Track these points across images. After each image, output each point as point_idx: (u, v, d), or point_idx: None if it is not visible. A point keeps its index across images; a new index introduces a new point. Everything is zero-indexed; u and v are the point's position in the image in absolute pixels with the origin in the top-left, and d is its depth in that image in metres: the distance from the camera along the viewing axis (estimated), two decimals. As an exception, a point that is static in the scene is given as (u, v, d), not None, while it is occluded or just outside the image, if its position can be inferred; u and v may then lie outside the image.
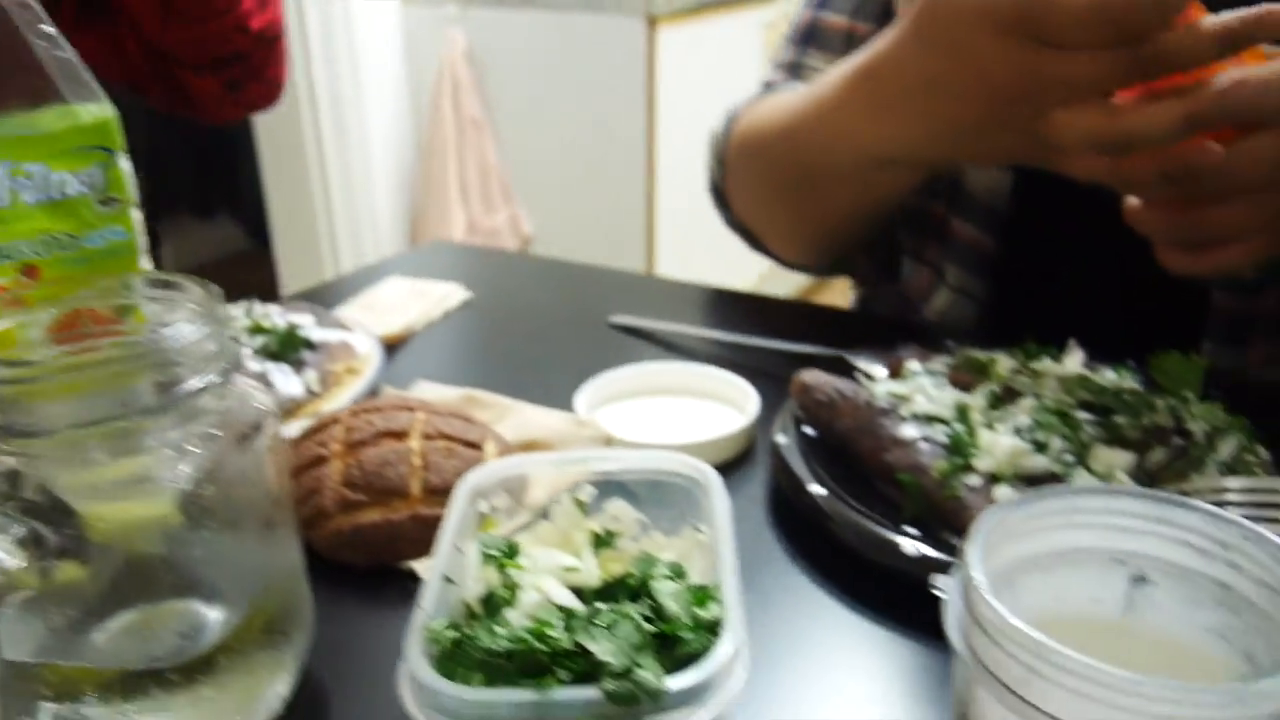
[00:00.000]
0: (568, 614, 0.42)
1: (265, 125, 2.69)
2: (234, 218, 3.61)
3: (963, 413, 0.58)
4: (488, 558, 0.48)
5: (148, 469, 0.40)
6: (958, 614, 0.34)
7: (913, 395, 0.61)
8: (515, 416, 0.68)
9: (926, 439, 0.57)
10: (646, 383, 0.74)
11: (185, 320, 0.40)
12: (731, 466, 0.66)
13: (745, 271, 2.72)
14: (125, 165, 0.47)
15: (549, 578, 0.47)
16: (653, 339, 0.86)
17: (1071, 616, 0.39)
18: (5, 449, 0.38)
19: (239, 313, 0.77)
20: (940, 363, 0.65)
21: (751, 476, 0.66)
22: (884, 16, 0.82)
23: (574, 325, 0.91)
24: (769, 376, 0.73)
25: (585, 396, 0.71)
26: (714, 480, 0.51)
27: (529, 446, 0.65)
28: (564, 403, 0.71)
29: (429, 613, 0.42)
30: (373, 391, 0.74)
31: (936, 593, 0.36)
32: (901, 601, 0.52)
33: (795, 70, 0.91)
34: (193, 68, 0.97)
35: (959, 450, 0.55)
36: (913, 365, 0.64)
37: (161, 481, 0.40)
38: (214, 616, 0.43)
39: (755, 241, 0.95)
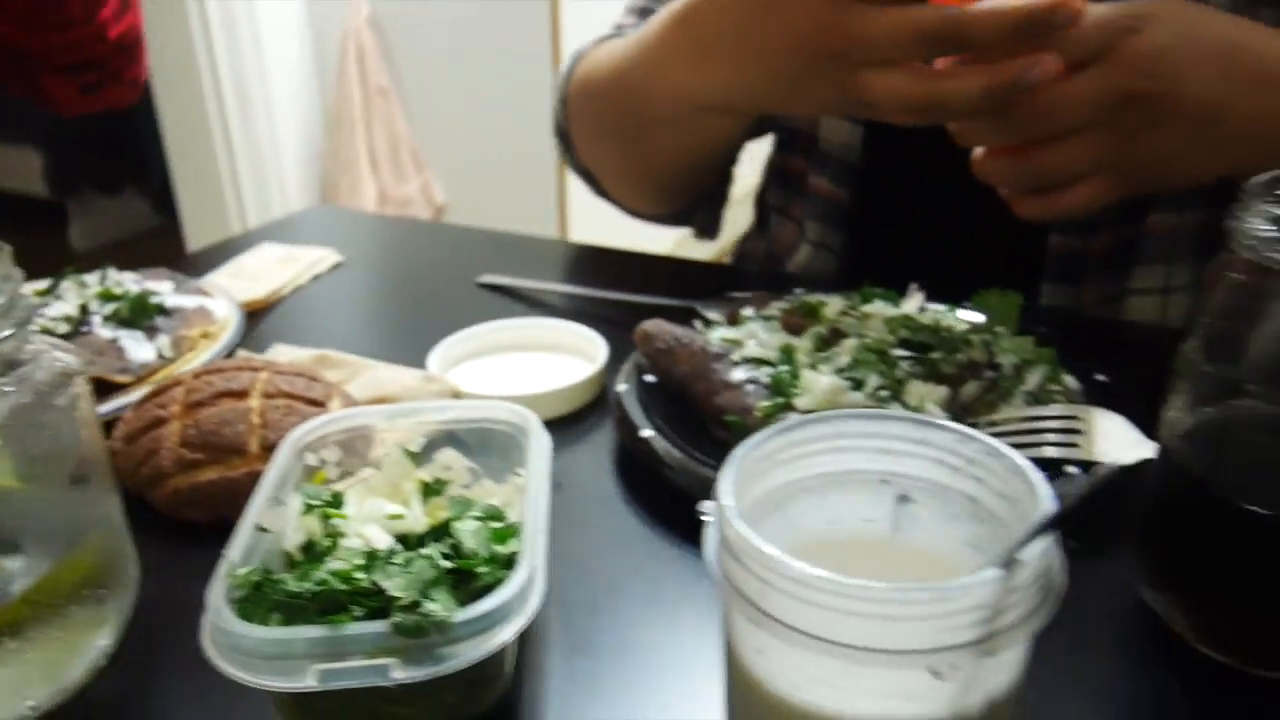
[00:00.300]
0: (370, 556, 0.43)
1: (167, 97, 2.63)
2: (141, 194, 3.54)
3: (788, 354, 0.60)
4: (310, 507, 0.49)
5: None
6: (714, 538, 0.36)
7: (745, 340, 0.63)
8: (367, 375, 0.69)
9: (753, 381, 0.59)
10: (502, 339, 0.75)
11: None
12: (581, 416, 0.68)
13: (660, 237, 2.72)
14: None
15: (373, 525, 0.48)
16: (520, 296, 0.87)
17: (846, 537, 0.41)
18: None
19: (92, 280, 0.76)
20: (776, 309, 0.67)
21: (600, 426, 0.67)
22: None
23: (442, 286, 0.91)
24: (627, 328, 0.74)
25: (439, 354, 0.71)
26: (534, 424, 0.52)
27: (377, 404, 0.66)
28: (425, 362, 0.72)
29: (234, 560, 0.43)
30: (229, 356, 0.73)
31: (703, 519, 0.37)
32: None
33: (645, 15, 0.91)
34: (50, 70, 0.97)
35: (781, 390, 0.57)
36: (747, 311, 0.66)
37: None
38: (18, 571, 0.43)
39: (598, 186, 0.95)
